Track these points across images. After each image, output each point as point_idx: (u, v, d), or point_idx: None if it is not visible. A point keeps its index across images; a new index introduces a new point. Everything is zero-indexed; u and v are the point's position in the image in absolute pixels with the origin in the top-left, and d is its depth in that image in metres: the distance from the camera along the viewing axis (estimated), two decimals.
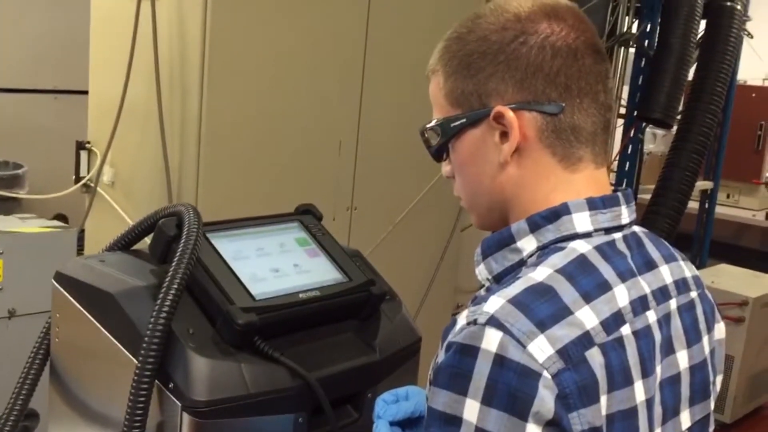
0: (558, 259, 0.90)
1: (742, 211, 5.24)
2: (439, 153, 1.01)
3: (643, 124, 3.80)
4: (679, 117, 3.65)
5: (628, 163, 3.75)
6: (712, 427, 1.04)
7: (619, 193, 0.98)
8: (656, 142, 5.07)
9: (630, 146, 3.75)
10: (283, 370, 1.13)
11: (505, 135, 0.94)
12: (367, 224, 2.78)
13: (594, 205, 0.94)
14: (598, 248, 0.92)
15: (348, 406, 1.24)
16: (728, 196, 5.26)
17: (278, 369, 1.13)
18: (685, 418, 0.99)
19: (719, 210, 4.68)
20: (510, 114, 0.93)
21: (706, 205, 4.36)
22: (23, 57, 4.17)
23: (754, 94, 5.13)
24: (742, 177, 5.18)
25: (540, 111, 0.93)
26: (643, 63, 3.62)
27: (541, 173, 0.95)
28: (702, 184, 4.20)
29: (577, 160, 0.95)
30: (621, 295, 0.90)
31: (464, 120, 0.97)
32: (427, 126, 1.01)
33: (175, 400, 1.07)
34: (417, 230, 3.01)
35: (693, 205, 4.13)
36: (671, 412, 0.96)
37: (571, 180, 0.95)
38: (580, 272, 0.89)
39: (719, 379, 1.06)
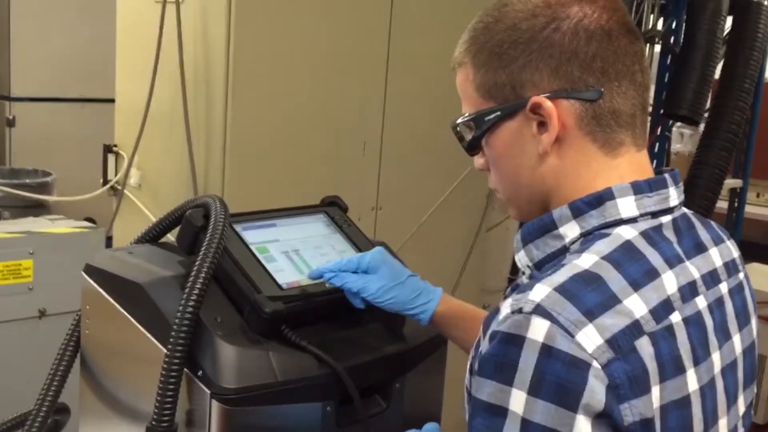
0: (604, 246, 0.87)
1: None
2: (473, 147, 0.98)
3: (670, 122, 3.76)
4: (706, 114, 3.61)
5: (655, 162, 3.72)
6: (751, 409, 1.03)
7: (666, 174, 0.95)
8: (684, 141, 5.02)
9: (657, 144, 3.71)
10: (311, 359, 1.14)
11: (542, 125, 0.92)
12: (392, 224, 2.78)
13: (639, 188, 0.92)
14: (644, 234, 0.90)
15: (376, 395, 1.24)
16: (758, 195, 5.19)
17: (306, 357, 1.13)
18: (741, 403, 0.97)
19: (749, 209, 4.61)
20: (548, 104, 0.90)
21: (736, 204, 4.30)
22: (50, 67, 4.23)
23: None
24: None
25: (578, 98, 0.90)
26: (669, 60, 3.59)
27: (582, 161, 0.92)
28: (731, 183, 4.14)
29: (618, 144, 0.93)
30: (669, 282, 0.88)
31: (499, 113, 0.94)
32: (460, 120, 0.98)
33: (204, 388, 1.08)
34: (442, 230, 3.00)
35: (722, 204, 4.07)
36: (733, 399, 0.94)
37: (613, 165, 0.93)
38: (627, 259, 0.86)
39: None
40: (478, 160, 1.00)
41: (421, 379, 1.29)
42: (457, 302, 1.25)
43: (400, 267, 1.22)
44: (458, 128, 0.98)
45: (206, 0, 2.37)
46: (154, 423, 1.07)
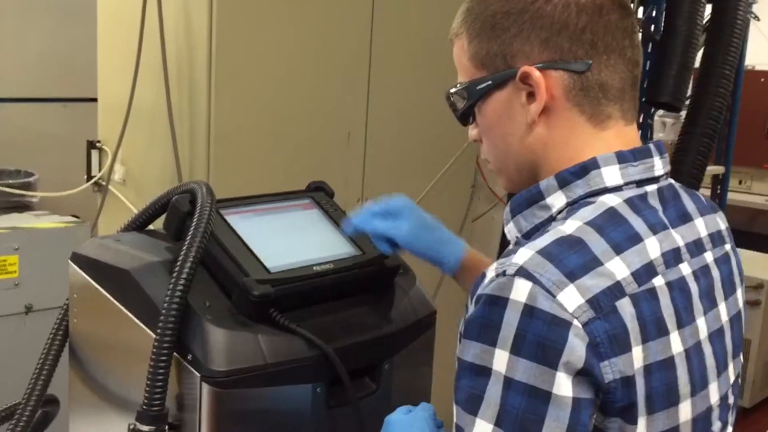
0: (587, 213, 0.89)
1: (755, 197, 5.20)
2: (466, 116, 1.00)
3: (652, 110, 3.78)
4: (687, 102, 3.62)
5: None
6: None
7: (651, 145, 0.97)
8: (666, 130, 5.03)
9: (639, 133, 3.74)
10: (300, 341, 1.14)
11: (531, 95, 0.93)
12: None
13: (624, 158, 0.93)
14: (629, 201, 0.91)
15: (366, 377, 1.25)
16: (740, 182, 5.23)
17: (295, 339, 1.14)
18: (732, 372, 0.98)
19: (731, 196, 4.63)
20: (536, 74, 0.92)
21: (718, 191, 4.32)
22: (31, 67, 4.19)
23: (762, 79, 5.10)
24: (753, 162, 5.15)
25: (566, 69, 0.92)
26: (650, 48, 3.60)
27: (570, 132, 0.94)
28: (713, 169, 4.16)
29: (606, 117, 0.94)
30: (652, 247, 0.89)
31: (490, 82, 0.96)
32: (453, 90, 1.00)
33: (194, 371, 1.08)
34: None
35: (705, 191, 4.10)
36: (723, 365, 0.95)
37: (601, 137, 0.94)
38: (609, 224, 0.88)
39: None
40: (472, 131, 1.02)
41: (409, 360, 1.30)
42: (479, 255, 1.28)
43: (426, 213, 1.24)
44: (452, 98, 1.00)
45: None
46: (144, 408, 1.07)
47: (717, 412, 0.94)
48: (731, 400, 0.99)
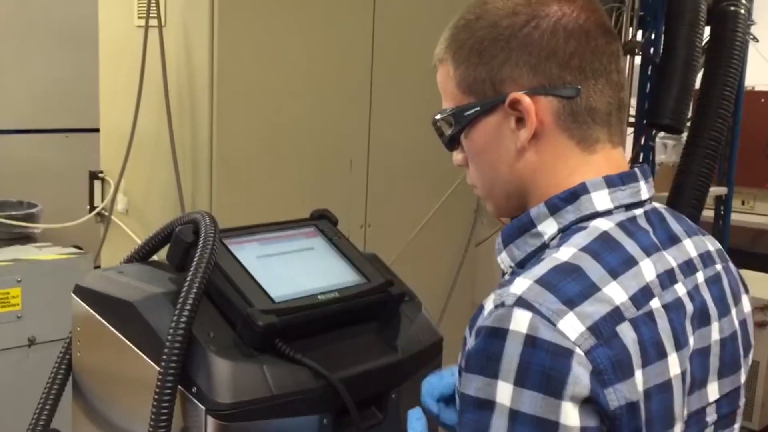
0: (581, 239, 0.89)
1: (759, 218, 5.19)
2: (453, 143, 1.00)
3: (654, 132, 3.78)
4: (688, 124, 3.63)
5: None
6: (742, 400, 1.03)
7: (637, 169, 0.97)
8: (667, 152, 5.03)
9: (641, 155, 3.74)
10: (306, 372, 1.13)
11: (521, 121, 0.93)
12: (381, 241, 2.78)
13: (612, 182, 0.94)
14: (621, 225, 0.92)
15: (372, 407, 1.23)
16: (743, 203, 5.22)
17: (301, 370, 1.12)
18: (713, 391, 0.97)
19: (735, 217, 4.63)
20: (526, 100, 0.92)
21: (722, 212, 4.32)
22: (32, 97, 4.22)
23: (763, 100, 5.11)
24: (755, 183, 5.14)
25: (556, 95, 0.93)
26: (650, 71, 3.62)
27: (560, 157, 0.94)
28: (716, 190, 4.16)
29: (594, 141, 0.95)
30: (648, 270, 0.89)
31: (478, 108, 0.96)
32: (440, 116, 1.00)
33: (199, 404, 1.07)
34: (432, 246, 3.00)
35: (708, 213, 4.10)
36: (698, 384, 0.94)
37: (590, 161, 0.95)
38: (604, 249, 0.88)
39: (751, 352, 1.04)
40: (457, 156, 1.02)
41: (417, 389, 1.28)
42: None
43: None
44: (438, 124, 1.00)
45: (188, 22, 2.38)
46: None
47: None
48: (709, 418, 0.97)
